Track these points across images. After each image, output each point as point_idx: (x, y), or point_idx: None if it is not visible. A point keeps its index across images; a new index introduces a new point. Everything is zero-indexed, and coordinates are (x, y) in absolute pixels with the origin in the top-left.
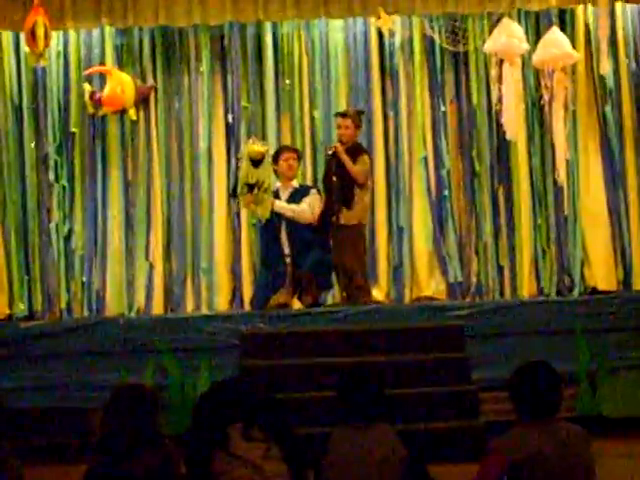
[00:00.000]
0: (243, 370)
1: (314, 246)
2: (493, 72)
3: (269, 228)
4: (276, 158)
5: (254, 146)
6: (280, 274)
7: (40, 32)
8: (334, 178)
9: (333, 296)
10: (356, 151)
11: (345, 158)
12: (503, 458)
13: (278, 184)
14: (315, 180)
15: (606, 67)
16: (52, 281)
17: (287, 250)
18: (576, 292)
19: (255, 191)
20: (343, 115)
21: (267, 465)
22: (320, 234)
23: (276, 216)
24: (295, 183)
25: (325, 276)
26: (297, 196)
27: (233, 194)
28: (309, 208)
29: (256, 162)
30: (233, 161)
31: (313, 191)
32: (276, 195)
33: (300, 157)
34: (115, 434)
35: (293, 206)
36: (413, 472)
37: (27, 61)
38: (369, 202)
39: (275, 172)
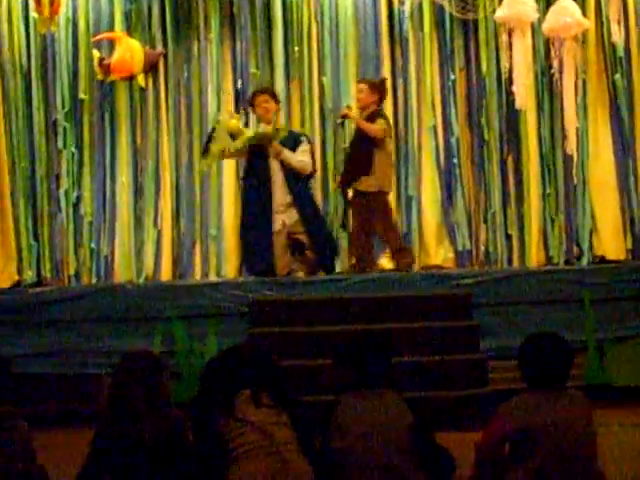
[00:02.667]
0: (251, 337)
1: (313, 219)
2: (504, 40)
3: (260, 188)
4: (252, 105)
5: (232, 122)
6: (267, 235)
7: None
8: (345, 145)
9: (342, 263)
10: (373, 116)
11: (354, 116)
12: (506, 422)
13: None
14: (324, 150)
15: (617, 35)
16: (61, 248)
17: (287, 219)
18: (584, 261)
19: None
20: (359, 80)
21: (277, 431)
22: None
23: (268, 180)
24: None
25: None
26: (287, 141)
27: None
28: (308, 159)
29: (234, 135)
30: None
31: (304, 139)
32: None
33: (276, 97)
34: (123, 400)
35: (298, 157)
36: (420, 438)
37: (36, 27)
38: (390, 169)
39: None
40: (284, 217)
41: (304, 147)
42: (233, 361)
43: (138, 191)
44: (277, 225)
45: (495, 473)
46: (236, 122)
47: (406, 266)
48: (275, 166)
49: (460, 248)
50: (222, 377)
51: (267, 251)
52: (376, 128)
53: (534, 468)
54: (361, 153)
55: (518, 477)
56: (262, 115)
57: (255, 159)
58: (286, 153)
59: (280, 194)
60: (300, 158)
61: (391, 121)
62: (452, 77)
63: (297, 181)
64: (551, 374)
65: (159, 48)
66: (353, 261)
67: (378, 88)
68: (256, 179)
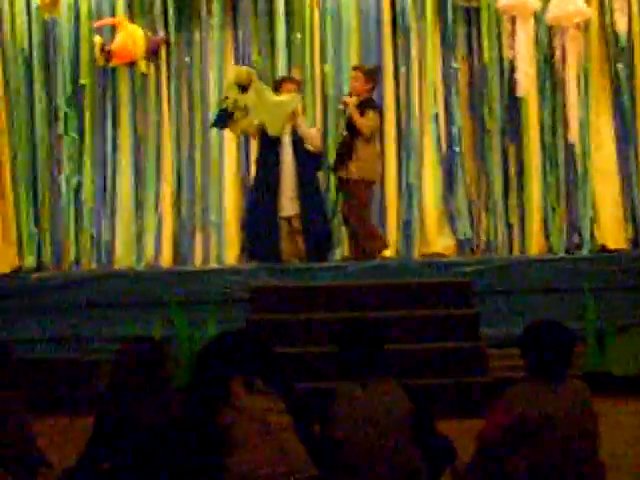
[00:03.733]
0: (251, 324)
1: (312, 208)
2: (506, 29)
3: (270, 173)
4: (278, 89)
5: (241, 69)
6: (274, 220)
7: None
8: (344, 132)
9: (342, 251)
10: (365, 105)
11: (353, 110)
12: (509, 411)
13: None
14: (325, 137)
15: (622, 24)
16: (61, 233)
17: (293, 208)
18: (585, 250)
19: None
20: (354, 67)
21: (272, 417)
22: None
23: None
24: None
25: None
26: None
27: (220, 124)
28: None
29: (243, 87)
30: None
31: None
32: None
33: (301, 89)
34: (125, 385)
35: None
36: (419, 425)
37: (38, 12)
38: (375, 159)
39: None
40: (292, 204)
41: (314, 129)
42: (227, 347)
43: (139, 177)
44: (284, 211)
45: (496, 461)
46: (247, 69)
47: (370, 258)
48: (287, 152)
49: (461, 236)
50: (216, 364)
51: (273, 237)
52: (365, 124)
53: (535, 457)
54: (345, 140)
55: (519, 466)
56: None
57: (268, 144)
58: (302, 122)
59: (289, 180)
60: (311, 130)
61: (393, 109)
62: (454, 65)
63: (307, 168)
64: (553, 362)
65: (161, 34)
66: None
67: (372, 76)
68: (267, 164)
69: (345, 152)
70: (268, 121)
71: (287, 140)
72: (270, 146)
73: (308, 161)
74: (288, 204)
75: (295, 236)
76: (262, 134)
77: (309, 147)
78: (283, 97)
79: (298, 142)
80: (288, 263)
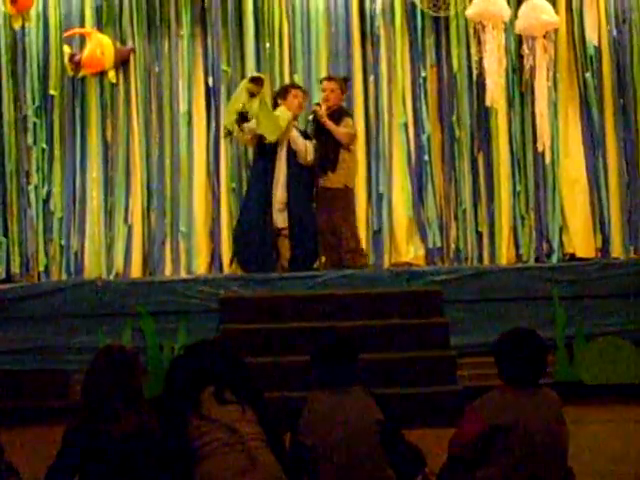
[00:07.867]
0: (221, 334)
1: (300, 219)
2: (475, 37)
3: (263, 186)
4: (284, 94)
5: (260, 75)
6: (268, 232)
7: None
8: (314, 141)
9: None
10: (340, 114)
11: (326, 120)
12: (481, 419)
13: None
14: None
15: (591, 33)
16: (30, 244)
17: (281, 222)
18: (554, 259)
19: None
20: (329, 78)
21: (242, 427)
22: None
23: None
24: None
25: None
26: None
27: (229, 133)
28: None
29: (252, 94)
30: (213, 124)
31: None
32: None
33: (308, 96)
34: (97, 395)
35: (305, 141)
36: (388, 434)
37: (5, 22)
38: (355, 166)
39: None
40: (281, 217)
41: (310, 143)
42: (197, 357)
43: (108, 187)
44: (273, 223)
45: (467, 470)
46: (263, 77)
47: (362, 266)
48: (281, 165)
49: (430, 245)
50: (186, 374)
51: (265, 247)
52: (344, 132)
53: (507, 465)
54: (328, 150)
55: (490, 474)
56: (296, 109)
57: (263, 155)
58: (294, 132)
59: (280, 193)
60: (306, 142)
61: (362, 118)
62: (423, 74)
63: (299, 181)
64: (528, 370)
65: (130, 44)
66: (323, 258)
67: (344, 86)
68: (260, 175)
69: (326, 161)
70: (265, 129)
71: (282, 154)
72: (265, 157)
73: (301, 174)
74: (277, 216)
75: (283, 247)
76: (258, 144)
77: (301, 161)
78: (277, 111)
79: (292, 156)
80: (258, 273)
